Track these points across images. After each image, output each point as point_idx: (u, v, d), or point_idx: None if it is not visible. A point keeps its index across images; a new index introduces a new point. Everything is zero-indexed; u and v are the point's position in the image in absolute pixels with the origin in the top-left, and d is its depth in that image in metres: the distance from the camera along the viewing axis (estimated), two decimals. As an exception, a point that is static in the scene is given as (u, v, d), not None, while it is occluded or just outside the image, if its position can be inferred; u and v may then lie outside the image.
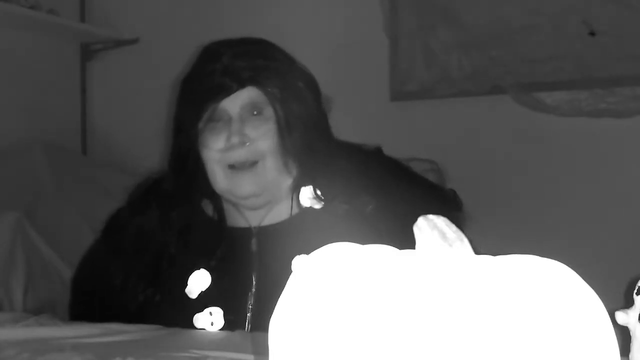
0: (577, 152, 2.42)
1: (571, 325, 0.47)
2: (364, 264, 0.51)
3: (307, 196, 1.42)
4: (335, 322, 0.48)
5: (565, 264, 0.52)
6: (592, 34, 2.37)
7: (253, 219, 1.42)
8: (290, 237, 1.37)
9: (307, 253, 1.43)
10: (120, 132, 3.04)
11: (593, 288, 0.51)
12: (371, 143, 1.52)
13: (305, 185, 1.42)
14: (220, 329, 1.33)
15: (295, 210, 1.42)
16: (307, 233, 1.35)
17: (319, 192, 1.41)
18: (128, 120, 3.02)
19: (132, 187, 1.51)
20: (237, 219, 1.44)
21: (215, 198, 1.44)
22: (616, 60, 2.34)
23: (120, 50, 3.06)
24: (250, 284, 1.36)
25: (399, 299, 0.48)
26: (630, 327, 0.78)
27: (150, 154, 2.26)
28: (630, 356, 0.78)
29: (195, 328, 1.34)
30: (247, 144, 1.36)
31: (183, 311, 1.36)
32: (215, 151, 1.37)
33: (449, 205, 1.42)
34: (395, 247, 0.54)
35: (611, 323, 0.50)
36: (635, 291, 0.79)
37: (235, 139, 1.35)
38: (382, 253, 0.53)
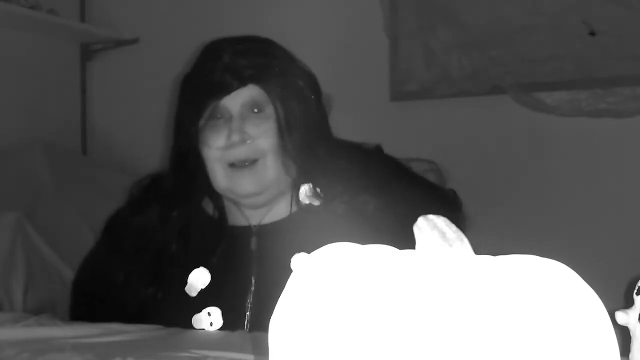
0: (577, 152, 2.42)
1: (571, 325, 0.47)
2: (364, 264, 0.51)
3: (306, 194, 1.42)
4: (335, 322, 0.48)
5: (565, 264, 0.52)
6: (592, 34, 2.37)
7: (253, 217, 1.43)
8: (290, 235, 1.38)
9: (306, 251, 1.43)
10: (120, 132, 3.04)
11: (593, 288, 0.51)
12: (371, 142, 1.52)
13: (304, 183, 1.42)
14: (219, 329, 1.33)
15: (295, 208, 1.42)
16: (307, 231, 1.35)
17: (318, 190, 1.41)
18: (128, 120, 3.02)
19: (131, 185, 1.51)
20: (237, 218, 1.44)
21: (216, 197, 1.44)
22: (616, 60, 2.34)
23: (120, 50, 3.06)
24: (250, 282, 1.36)
25: (399, 299, 0.48)
26: (630, 327, 0.78)
27: (150, 154, 2.26)
28: (630, 356, 0.78)
29: (195, 329, 1.34)
30: (248, 141, 1.36)
31: (183, 309, 1.36)
32: (216, 149, 1.37)
33: (449, 205, 1.42)
34: (395, 247, 0.54)
35: (611, 323, 0.50)
36: (635, 291, 0.79)
37: (235, 137, 1.35)
38: (382, 253, 0.53)
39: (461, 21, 2.52)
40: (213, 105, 1.36)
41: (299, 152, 1.38)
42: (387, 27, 2.62)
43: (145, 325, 1.28)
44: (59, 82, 3.00)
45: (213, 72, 1.37)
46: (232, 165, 1.37)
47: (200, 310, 1.34)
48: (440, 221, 0.54)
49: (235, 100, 1.36)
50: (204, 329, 1.33)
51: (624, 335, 0.78)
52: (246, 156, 1.36)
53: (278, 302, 0.54)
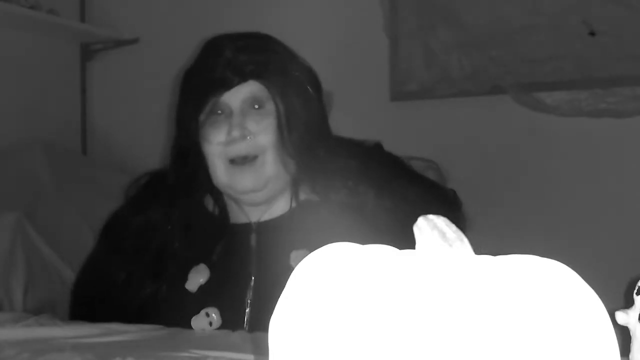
0: (577, 152, 2.42)
1: (571, 325, 0.47)
2: (364, 264, 0.51)
3: (306, 191, 1.42)
4: (335, 322, 0.48)
5: (565, 264, 0.52)
6: (592, 34, 2.37)
7: (253, 214, 1.43)
8: (289, 232, 1.38)
9: (306, 247, 1.43)
10: (120, 132, 3.04)
11: (593, 288, 0.51)
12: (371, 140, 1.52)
13: (304, 180, 1.42)
14: (219, 328, 1.33)
15: (294, 205, 1.42)
16: (306, 228, 1.35)
17: (318, 187, 1.41)
18: (128, 120, 3.02)
19: (129, 184, 1.51)
20: (237, 215, 1.44)
21: (217, 194, 1.45)
22: (616, 60, 2.34)
23: (120, 50, 3.06)
24: (249, 279, 1.36)
25: (399, 299, 0.48)
26: (630, 327, 0.78)
27: (150, 154, 2.26)
28: (630, 356, 0.78)
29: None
30: (248, 137, 1.36)
31: (183, 306, 1.36)
32: (216, 144, 1.37)
33: (449, 205, 1.42)
34: (395, 247, 0.54)
35: (611, 323, 0.50)
36: (635, 291, 0.79)
37: (236, 133, 1.35)
38: (382, 253, 0.53)
39: (461, 21, 2.52)
40: (213, 100, 1.37)
41: (299, 149, 1.38)
42: (387, 27, 2.62)
43: (145, 325, 1.28)
44: (59, 82, 3.00)
45: (214, 67, 1.37)
46: (232, 161, 1.37)
47: (200, 309, 1.34)
48: (440, 221, 0.54)
49: (236, 96, 1.37)
50: (204, 329, 1.33)
51: (624, 335, 0.78)
52: (246, 152, 1.37)
53: (278, 302, 0.53)
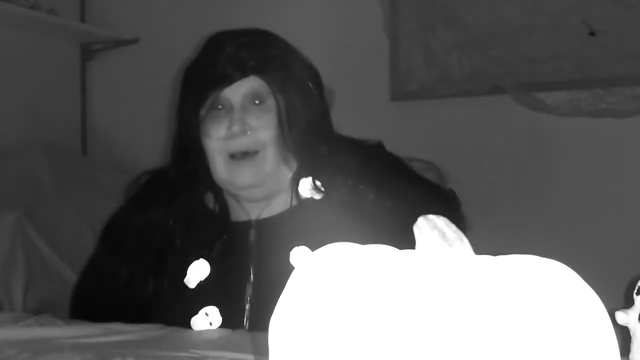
0: (577, 152, 2.42)
1: (571, 325, 0.47)
2: (364, 264, 0.51)
3: (306, 188, 1.42)
4: (335, 322, 0.48)
5: (565, 264, 0.52)
6: (592, 34, 2.37)
7: (253, 211, 1.43)
8: (288, 229, 1.38)
9: (306, 245, 1.43)
10: (120, 132, 3.04)
11: (593, 288, 0.51)
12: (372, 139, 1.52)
13: (304, 177, 1.42)
14: (220, 326, 1.33)
15: (295, 202, 1.42)
16: (305, 225, 1.35)
17: (318, 184, 1.41)
18: (128, 120, 3.02)
19: (129, 183, 1.51)
20: (238, 213, 1.44)
21: (217, 191, 1.45)
22: (616, 60, 2.34)
23: (120, 50, 3.06)
24: (248, 275, 1.36)
25: (400, 299, 0.48)
26: (630, 327, 0.78)
27: (150, 154, 2.26)
28: (630, 356, 0.78)
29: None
30: (249, 132, 1.36)
31: (184, 304, 1.36)
32: (216, 139, 1.37)
33: (449, 205, 1.42)
34: (395, 247, 0.54)
35: (611, 323, 0.50)
36: (635, 291, 0.79)
37: (236, 128, 1.35)
38: (382, 253, 0.53)
39: (461, 21, 2.52)
40: (214, 96, 1.37)
41: (300, 145, 1.38)
42: (387, 27, 2.62)
43: (145, 325, 1.28)
44: (59, 82, 3.00)
45: (215, 63, 1.37)
46: (232, 156, 1.37)
47: (200, 308, 1.34)
48: (440, 221, 0.54)
49: (237, 91, 1.37)
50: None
51: (624, 335, 0.78)
52: (247, 147, 1.37)
53: (278, 302, 0.53)
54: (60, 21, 2.85)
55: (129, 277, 1.41)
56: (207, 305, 1.34)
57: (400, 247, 0.54)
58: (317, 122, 1.41)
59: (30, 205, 2.25)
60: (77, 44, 3.07)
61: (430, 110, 2.58)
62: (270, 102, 1.38)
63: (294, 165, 1.40)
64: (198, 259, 1.38)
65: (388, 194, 1.39)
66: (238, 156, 1.37)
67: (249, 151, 1.37)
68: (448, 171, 1.66)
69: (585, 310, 0.49)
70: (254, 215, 1.43)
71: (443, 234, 0.53)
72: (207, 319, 1.33)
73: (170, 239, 1.41)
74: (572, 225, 2.38)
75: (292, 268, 0.55)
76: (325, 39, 2.60)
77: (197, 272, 1.37)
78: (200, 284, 1.37)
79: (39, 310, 1.78)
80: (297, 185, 1.42)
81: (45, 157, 2.48)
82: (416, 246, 0.54)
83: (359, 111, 2.51)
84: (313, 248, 1.28)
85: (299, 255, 1.32)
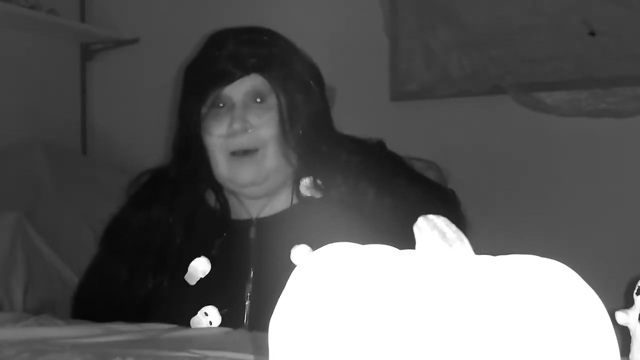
0: (577, 152, 2.42)
1: (571, 325, 0.47)
2: (364, 264, 0.51)
3: (306, 186, 1.42)
4: (335, 322, 0.48)
5: (565, 264, 0.52)
6: (592, 34, 2.37)
7: (253, 208, 1.43)
8: (289, 227, 1.38)
9: (305, 243, 1.43)
10: (120, 132, 3.04)
11: (593, 288, 0.51)
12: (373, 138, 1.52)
13: (305, 175, 1.42)
14: (220, 324, 1.33)
15: (295, 200, 1.42)
16: (306, 224, 1.35)
17: (319, 182, 1.41)
18: (128, 120, 3.02)
19: (129, 183, 1.52)
20: (238, 211, 1.44)
21: (218, 189, 1.45)
22: (616, 60, 2.34)
23: (120, 50, 3.06)
24: (248, 273, 1.36)
25: (400, 299, 0.48)
26: (630, 327, 0.78)
27: (150, 154, 2.26)
28: (630, 356, 0.78)
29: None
30: (249, 130, 1.36)
31: (184, 302, 1.36)
32: (217, 137, 1.37)
33: (449, 205, 1.42)
34: (395, 247, 0.54)
35: (611, 323, 0.50)
36: (635, 291, 0.79)
37: (237, 125, 1.35)
38: (382, 253, 0.53)
39: (461, 21, 2.52)
40: (215, 93, 1.37)
41: (300, 143, 1.38)
42: (387, 27, 2.62)
43: (145, 325, 1.28)
44: (59, 82, 3.00)
45: (216, 61, 1.37)
46: (233, 154, 1.37)
47: (200, 307, 1.34)
48: (440, 221, 0.54)
49: (238, 89, 1.37)
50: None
51: (624, 335, 0.78)
52: (247, 145, 1.37)
53: (278, 302, 0.53)
54: (60, 21, 2.85)
55: (129, 277, 1.41)
56: (208, 302, 1.34)
57: (400, 247, 0.54)
58: (318, 121, 1.41)
59: (30, 205, 2.25)
60: (77, 44, 3.07)
61: (430, 110, 2.58)
62: (272, 100, 1.38)
63: (295, 164, 1.41)
64: (199, 256, 1.38)
65: (388, 192, 1.39)
66: (239, 154, 1.37)
67: (250, 149, 1.37)
68: (448, 171, 1.66)
69: (585, 310, 0.49)
70: (254, 214, 1.43)
71: (443, 234, 0.53)
72: (207, 318, 1.33)
73: (171, 237, 1.42)
74: (572, 225, 2.38)
75: (293, 266, 0.55)
76: (326, 39, 2.60)
77: (198, 268, 1.37)
78: (201, 282, 1.37)
79: (39, 310, 1.78)
80: (298, 183, 1.42)
81: (45, 157, 2.48)
82: (416, 246, 0.54)
83: (359, 111, 2.51)
84: (313, 246, 1.28)
85: (299, 253, 1.33)
